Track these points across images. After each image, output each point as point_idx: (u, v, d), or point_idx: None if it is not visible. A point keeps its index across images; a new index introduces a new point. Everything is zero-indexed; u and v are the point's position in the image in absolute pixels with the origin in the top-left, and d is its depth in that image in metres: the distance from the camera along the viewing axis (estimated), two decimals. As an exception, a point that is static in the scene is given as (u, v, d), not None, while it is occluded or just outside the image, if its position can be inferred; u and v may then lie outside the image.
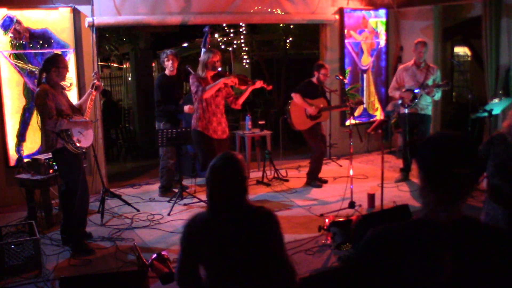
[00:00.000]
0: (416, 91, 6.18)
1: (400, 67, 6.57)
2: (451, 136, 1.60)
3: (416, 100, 6.17)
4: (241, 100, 5.41)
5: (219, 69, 5.37)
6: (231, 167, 2.28)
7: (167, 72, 6.22)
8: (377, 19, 8.25)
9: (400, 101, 6.34)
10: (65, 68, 4.45)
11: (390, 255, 1.56)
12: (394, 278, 1.56)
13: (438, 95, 6.21)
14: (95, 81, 4.72)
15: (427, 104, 6.28)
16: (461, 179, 1.53)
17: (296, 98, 6.29)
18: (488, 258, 1.49)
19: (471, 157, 1.56)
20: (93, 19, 6.05)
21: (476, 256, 1.49)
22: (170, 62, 6.14)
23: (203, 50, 6.08)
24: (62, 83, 4.49)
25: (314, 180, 6.46)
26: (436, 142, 1.59)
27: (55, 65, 4.35)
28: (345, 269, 1.75)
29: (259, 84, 5.36)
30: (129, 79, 12.24)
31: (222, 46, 10.52)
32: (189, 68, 6.24)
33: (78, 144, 4.41)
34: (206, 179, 2.32)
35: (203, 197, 5.88)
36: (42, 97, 4.24)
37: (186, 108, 6.03)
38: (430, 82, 6.17)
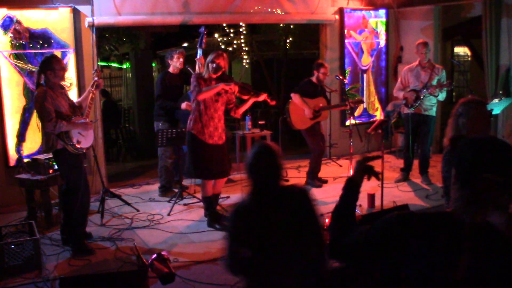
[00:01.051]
0: (419, 90, 6.17)
1: (405, 67, 6.55)
2: (497, 142, 1.54)
3: (419, 101, 6.16)
4: (241, 110, 5.14)
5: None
6: (272, 154, 2.56)
7: (171, 69, 6.20)
8: (377, 19, 8.25)
9: (404, 101, 6.34)
10: (62, 69, 4.42)
11: (406, 240, 1.54)
12: (400, 265, 1.54)
13: (442, 95, 6.18)
14: (95, 79, 4.72)
15: (431, 105, 6.26)
16: (491, 185, 1.48)
17: (295, 98, 6.29)
18: (504, 268, 1.46)
19: (508, 166, 1.50)
20: (93, 19, 6.05)
21: (491, 264, 1.46)
22: (181, 59, 6.15)
23: (199, 50, 6.08)
24: (62, 83, 4.49)
25: (313, 179, 6.46)
26: (479, 143, 1.55)
27: (50, 68, 4.33)
28: (354, 242, 1.73)
29: (262, 97, 5.08)
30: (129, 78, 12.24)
31: (222, 46, 10.53)
32: (189, 68, 6.24)
33: (78, 146, 4.41)
34: (248, 164, 2.54)
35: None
36: (41, 100, 4.24)
37: (183, 104, 5.98)
38: (434, 82, 6.14)
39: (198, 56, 6.02)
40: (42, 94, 4.26)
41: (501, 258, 1.46)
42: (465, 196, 1.52)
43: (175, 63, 6.14)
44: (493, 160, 1.50)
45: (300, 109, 6.31)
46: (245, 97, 5.10)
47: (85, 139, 4.52)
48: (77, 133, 4.44)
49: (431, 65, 6.26)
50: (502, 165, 1.50)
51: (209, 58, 4.97)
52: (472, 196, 1.51)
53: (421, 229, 1.54)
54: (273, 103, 5.34)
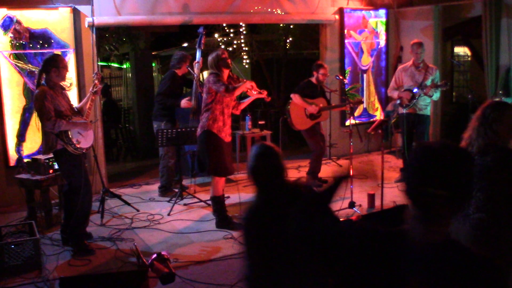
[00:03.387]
0: (414, 90, 6.18)
1: (399, 67, 6.58)
2: (441, 150, 1.40)
3: (414, 101, 6.18)
4: (242, 107, 5.23)
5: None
6: (273, 153, 2.48)
7: (179, 71, 6.21)
8: (377, 19, 8.25)
9: (398, 101, 6.35)
10: (65, 68, 4.46)
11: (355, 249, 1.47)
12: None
13: (436, 95, 6.21)
14: (95, 82, 4.73)
15: (425, 105, 6.27)
16: (436, 200, 1.35)
17: (295, 98, 6.29)
18: (466, 285, 1.32)
19: (454, 179, 1.36)
20: (93, 19, 6.05)
21: (451, 283, 1.33)
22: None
23: (198, 51, 6.08)
24: (62, 83, 4.49)
25: (314, 179, 6.46)
26: (423, 153, 1.41)
27: (55, 65, 4.35)
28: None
29: (264, 94, 5.11)
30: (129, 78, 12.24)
31: (222, 46, 10.52)
32: (189, 69, 6.25)
33: (78, 145, 4.41)
34: (251, 167, 2.45)
35: (203, 197, 5.89)
36: (41, 99, 4.24)
37: (183, 102, 6.01)
38: (428, 82, 6.17)
39: (197, 58, 6.06)
40: (42, 93, 4.27)
41: (466, 277, 1.32)
42: (416, 214, 1.40)
43: (186, 70, 6.23)
44: (435, 172, 1.36)
45: (300, 110, 6.31)
46: (251, 94, 5.15)
47: (85, 139, 4.52)
48: (77, 133, 4.44)
49: (425, 65, 6.29)
50: (445, 177, 1.36)
51: (216, 56, 4.89)
52: (422, 213, 1.38)
53: (373, 245, 1.45)
54: (268, 99, 5.32)
